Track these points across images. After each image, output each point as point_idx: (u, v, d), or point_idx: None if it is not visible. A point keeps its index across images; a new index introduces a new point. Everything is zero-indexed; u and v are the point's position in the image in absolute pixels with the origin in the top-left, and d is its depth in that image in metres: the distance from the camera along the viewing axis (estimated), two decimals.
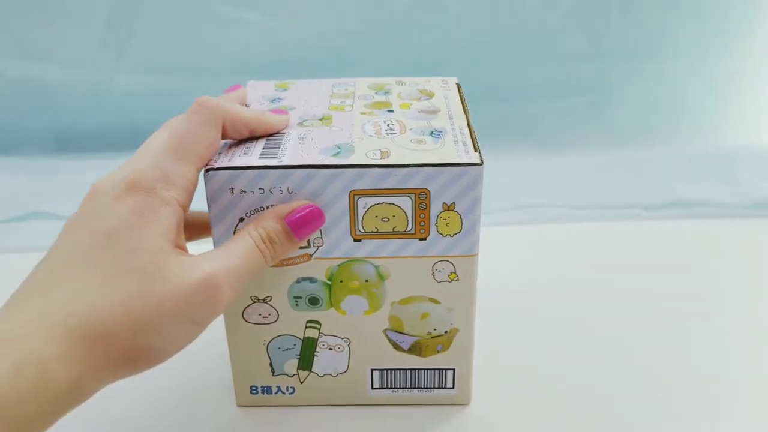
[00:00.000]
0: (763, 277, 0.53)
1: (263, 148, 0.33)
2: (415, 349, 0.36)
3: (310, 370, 0.37)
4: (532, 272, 0.52)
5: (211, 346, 0.40)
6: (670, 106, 0.80)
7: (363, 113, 0.37)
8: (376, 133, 0.34)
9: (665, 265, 0.53)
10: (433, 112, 0.37)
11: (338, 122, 0.36)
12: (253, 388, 0.38)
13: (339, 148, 0.33)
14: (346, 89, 0.41)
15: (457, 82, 0.42)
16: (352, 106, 0.38)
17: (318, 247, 0.33)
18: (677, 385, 0.40)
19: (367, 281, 0.34)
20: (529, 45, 0.77)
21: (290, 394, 0.38)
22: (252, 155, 0.32)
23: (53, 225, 0.55)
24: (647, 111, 0.80)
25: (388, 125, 0.35)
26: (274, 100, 0.40)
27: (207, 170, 0.32)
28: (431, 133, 0.34)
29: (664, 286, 0.50)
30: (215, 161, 0.32)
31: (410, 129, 0.35)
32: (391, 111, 0.37)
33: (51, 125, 0.77)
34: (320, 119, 0.36)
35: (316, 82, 0.42)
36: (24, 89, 0.76)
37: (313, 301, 0.35)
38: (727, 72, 0.80)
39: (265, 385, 0.38)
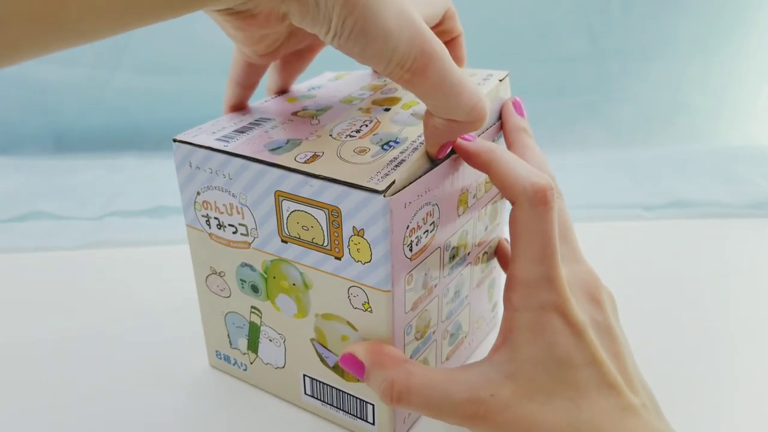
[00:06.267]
0: (763, 276, 0.52)
1: (233, 131, 0.34)
2: (338, 369, 0.35)
3: (257, 354, 0.38)
4: None
5: None
6: (669, 106, 0.80)
7: (361, 109, 0.36)
8: (338, 135, 0.33)
9: (665, 265, 0.53)
10: None
11: (326, 116, 0.35)
12: (218, 352, 0.40)
13: (286, 143, 0.32)
14: (385, 80, 0.40)
15: (501, 78, 0.37)
16: (362, 99, 0.37)
17: (255, 237, 0.34)
18: (676, 385, 0.39)
19: (294, 285, 0.33)
20: (529, 45, 0.76)
21: (243, 370, 0.39)
22: (215, 135, 0.34)
23: (52, 225, 0.60)
24: (647, 111, 0.80)
25: (361, 126, 0.33)
26: (312, 88, 0.40)
27: (174, 140, 0.34)
28: (385, 144, 0.31)
29: (663, 286, 0.49)
30: (184, 134, 0.34)
31: (375, 134, 0.32)
32: (388, 110, 0.35)
33: (50, 125, 0.77)
34: (316, 110, 0.36)
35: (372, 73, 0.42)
36: (23, 89, 0.76)
37: (254, 289, 0.35)
38: (726, 72, 0.79)
39: (226, 353, 0.39)
